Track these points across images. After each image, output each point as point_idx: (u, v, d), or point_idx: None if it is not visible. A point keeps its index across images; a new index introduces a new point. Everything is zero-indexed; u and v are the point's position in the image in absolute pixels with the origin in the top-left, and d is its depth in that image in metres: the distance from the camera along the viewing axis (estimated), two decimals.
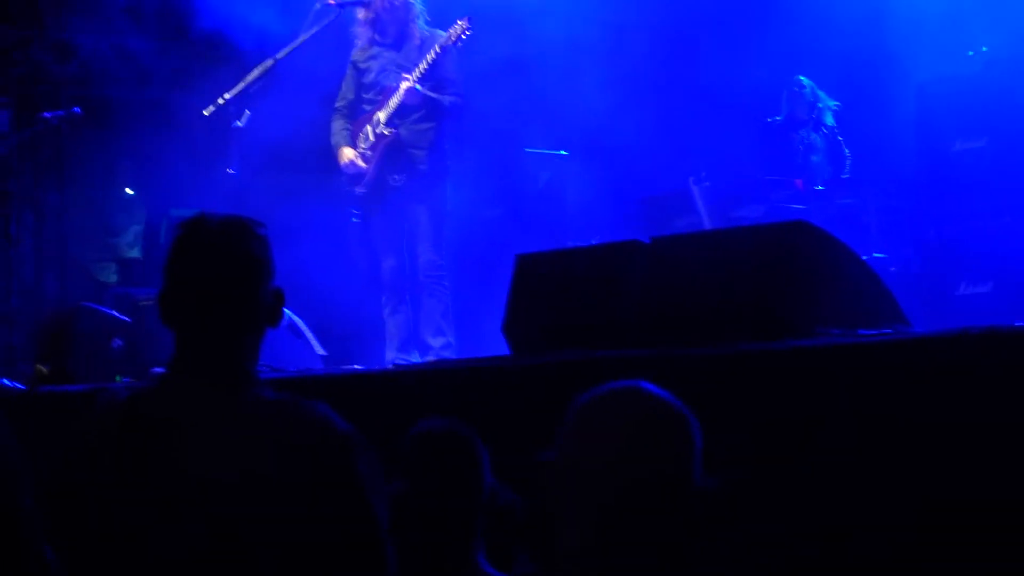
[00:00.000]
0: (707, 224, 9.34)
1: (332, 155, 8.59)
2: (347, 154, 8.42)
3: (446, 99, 8.29)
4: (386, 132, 8.24)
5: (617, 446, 2.52)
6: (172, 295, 3.07)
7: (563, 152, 11.01)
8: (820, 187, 9.46)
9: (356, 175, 8.36)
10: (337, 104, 8.64)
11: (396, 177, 8.27)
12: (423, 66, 8.13)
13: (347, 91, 8.60)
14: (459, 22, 8.11)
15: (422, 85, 8.15)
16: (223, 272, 3.04)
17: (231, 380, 3.00)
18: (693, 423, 2.60)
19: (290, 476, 2.87)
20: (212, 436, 2.92)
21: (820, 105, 9.80)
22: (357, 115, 8.52)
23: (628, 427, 2.54)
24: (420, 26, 8.36)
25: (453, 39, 8.11)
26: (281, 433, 2.91)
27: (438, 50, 8.12)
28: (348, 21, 8.52)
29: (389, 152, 8.25)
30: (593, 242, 9.36)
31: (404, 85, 8.14)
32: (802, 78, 9.85)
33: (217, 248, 3.05)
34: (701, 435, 2.60)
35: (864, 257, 7.79)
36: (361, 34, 8.51)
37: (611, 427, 2.54)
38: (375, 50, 8.47)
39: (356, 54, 8.56)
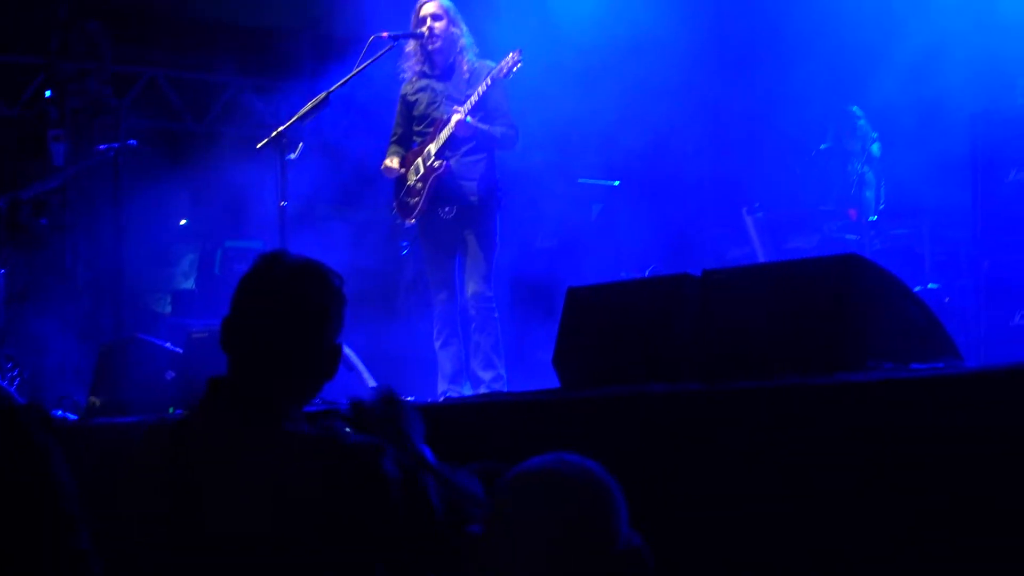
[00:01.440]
0: (760, 255, 9.31)
1: (384, 189, 8.61)
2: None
3: (497, 130, 8.28)
4: (436, 164, 8.24)
5: (542, 522, 2.55)
6: (233, 322, 3.14)
7: (615, 183, 11.01)
8: (874, 217, 9.41)
9: (407, 208, 8.37)
10: (392, 139, 8.65)
11: (447, 209, 8.26)
12: (474, 98, 8.12)
13: (398, 125, 8.62)
14: (510, 54, 8.10)
15: (472, 117, 8.16)
16: (283, 313, 3.09)
17: (262, 414, 3.04)
18: (614, 489, 2.63)
19: (320, 506, 2.91)
20: (241, 467, 2.96)
21: (871, 136, 9.73)
22: (409, 148, 8.53)
23: (552, 502, 2.57)
24: (469, 58, 8.38)
25: (504, 71, 8.09)
26: (312, 466, 2.95)
27: (489, 82, 8.11)
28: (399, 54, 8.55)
29: (440, 184, 8.23)
30: (646, 273, 9.39)
31: (455, 117, 8.14)
32: (855, 108, 9.77)
33: (284, 289, 3.10)
34: (624, 499, 2.63)
35: (918, 288, 7.78)
36: (410, 66, 8.53)
37: (535, 503, 2.58)
38: (424, 82, 8.49)
39: (405, 87, 8.57)
